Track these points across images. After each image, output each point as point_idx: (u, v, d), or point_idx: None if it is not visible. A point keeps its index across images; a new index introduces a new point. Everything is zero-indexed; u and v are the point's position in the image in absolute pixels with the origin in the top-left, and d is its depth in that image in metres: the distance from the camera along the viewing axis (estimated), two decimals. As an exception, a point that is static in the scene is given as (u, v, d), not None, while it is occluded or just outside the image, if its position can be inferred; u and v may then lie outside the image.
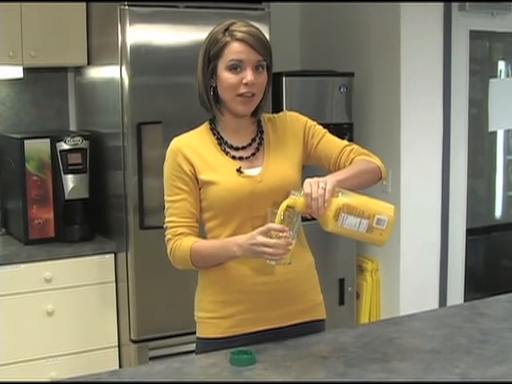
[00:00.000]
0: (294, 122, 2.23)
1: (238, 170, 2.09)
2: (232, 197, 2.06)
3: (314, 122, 2.24)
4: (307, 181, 1.95)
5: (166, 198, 2.14)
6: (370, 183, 2.19)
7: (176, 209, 2.11)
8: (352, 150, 2.22)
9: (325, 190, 1.91)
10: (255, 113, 2.16)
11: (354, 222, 1.92)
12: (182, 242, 2.08)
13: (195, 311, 2.21)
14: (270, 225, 1.93)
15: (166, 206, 2.14)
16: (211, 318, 2.15)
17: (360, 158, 2.20)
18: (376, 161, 2.21)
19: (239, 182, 2.07)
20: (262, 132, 2.19)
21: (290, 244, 1.92)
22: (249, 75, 2.04)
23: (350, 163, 2.18)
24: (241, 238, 2.00)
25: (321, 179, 1.94)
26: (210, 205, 2.10)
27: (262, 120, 2.21)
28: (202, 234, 2.15)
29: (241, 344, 2.05)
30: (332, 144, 2.22)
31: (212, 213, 2.11)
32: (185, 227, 2.10)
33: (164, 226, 2.14)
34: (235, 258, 2.04)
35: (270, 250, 1.91)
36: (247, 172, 2.10)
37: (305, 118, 2.24)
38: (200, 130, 2.19)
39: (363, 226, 1.93)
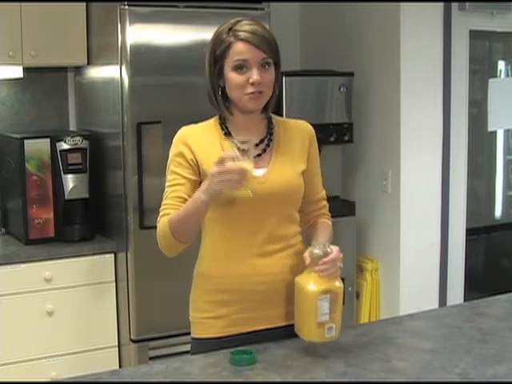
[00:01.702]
0: (310, 136, 2.23)
1: None
2: (231, 194, 2.05)
3: (318, 153, 2.26)
4: (338, 249, 2.01)
5: (166, 184, 2.13)
6: None
7: (171, 192, 2.09)
8: (325, 206, 2.29)
9: (340, 269, 2.00)
10: (265, 109, 2.16)
11: (323, 310, 1.95)
12: (163, 219, 2.07)
13: (190, 311, 2.21)
14: (222, 154, 1.91)
15: (164, 191, 2.13)
16: (206, 318, 2.15)
17: (329, 225, 2.27)
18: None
19: None
20: (271, 134, 2.18)
21: (245, 170, 1.89)
22: (254, 74, 2.04)
23: (316, 218, 2.25)
24: (204, 182, 1.98)
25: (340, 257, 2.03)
26: None
27: (274, 122, 2.21)
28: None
29: (236, 344, 2.05)
30: (316, 186, 2.25)
31: (211, 208, 2.09)
32: (173, 209, 2.06)
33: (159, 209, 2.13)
34: (204, 205, 1.98)
35: (226, 176, 1.88)
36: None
37: (316, 143, 2.25)
38: (208, 123, 2.18)
39: (322, 318, 1.95)
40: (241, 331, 2.12)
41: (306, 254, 1.99)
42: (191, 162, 2.09)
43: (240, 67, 2.05)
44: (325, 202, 2.29)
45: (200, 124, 2.18)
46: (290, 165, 2.15)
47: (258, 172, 2.10)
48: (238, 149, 1.99)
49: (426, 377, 1.86)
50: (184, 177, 2.09)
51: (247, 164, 1.91)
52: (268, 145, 2.16)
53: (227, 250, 2.11)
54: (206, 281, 2.16)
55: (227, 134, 2.14)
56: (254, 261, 2.08)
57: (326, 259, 1.96)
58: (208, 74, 2.12)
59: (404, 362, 1.95)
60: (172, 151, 2.14)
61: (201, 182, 2.08)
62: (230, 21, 2.10)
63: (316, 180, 2.25)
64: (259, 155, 2.13)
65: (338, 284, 1.99)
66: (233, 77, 2.06)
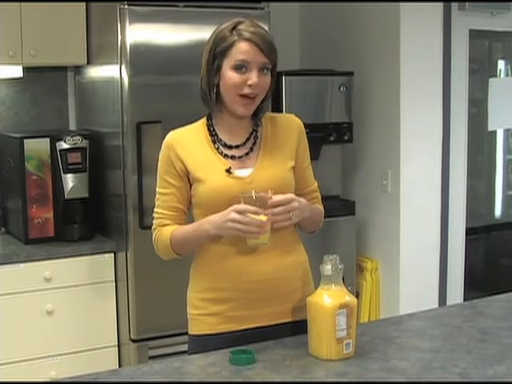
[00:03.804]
0: (298, 130, 2.22)
1: (227, 170, 2.08)
2: (219, 196, 2.06)
3: (307, 147, 2.26)
4: (292, 196, 2.01)
5: (156, 188, 2.18)
6: (308, 231, 2.26)
7: (163, 201, 2.15)
8: (317, 197, 2.28)
9: (290, 218, 2.00)
10: (255, 115, 2.16)
11: (341, 325, 1.93)
12: (163, 231, 2.13)
13: (187, 308, 2.22)
14: (247, 206, 1.96)
15: (156, 196, 2.18)
16: (200, 314, 2.16)
17: (320, 208, 2.27)
18: (322, 216, 2.28)
19: (227, 182, 2.07)
20: (256, 131, 2.18)
21: (265, 225, 1.96)
22: (254, 77, 2.04)
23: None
24: (214, 216, 2.03)
25: (298, 207, 2.01)
26: (199, 202, 2.12)
27: (262, 119, 2.20)
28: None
29: (230, 341, 2.06)
30: (307, 179, 2.25)
31: (201, 210, 2.12)
32: (170, 219, 2.14)
33: (153, 215, 2.17)
34: (208, 237, 2.07)
35: (244, 227, 1.95)
36: (237, 172, 2.10)
37: (305, 137, 2.24)
38: (197, 124, 2.19)
39: (341, 334, 1.94)
40: (235, 328, 2.12)
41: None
42: (180, 172, 2.11)
43: (240, 67, 2.04)
44: (317, 193, 2.29)
45: (188, 127, 2.19)
46: (278, 162, 2.14)
47: (245, 172, 2.11)
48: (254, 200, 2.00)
49: (426, 376, 1.85)
50: (174, 185, 2.13)
51: (263, 217, 1.97)
52: (254, 143, 2.16)
53: (220, 249, 2.11)
54: (200, 278, 2.17)
55: (213, 135, 2.14)
56: (247, 259, 2.09)
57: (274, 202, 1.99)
58: (205, 70, 2.11)
59: (404, 361, 1.95)
60: (161, 157, 2.16)
61: (191, 186, 2.12)
62: (231, 20, 2.10)
63: (307, 173, 2.25)
64: (246, 154, 2.14)
65: (353, 298, 1.99)
66: (231, 76, 2.05)
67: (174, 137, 2.16)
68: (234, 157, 2.12)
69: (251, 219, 1.95)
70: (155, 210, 2.17)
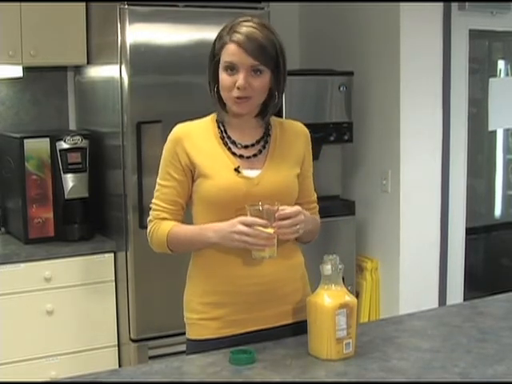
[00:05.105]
0: (305, 139, 2.22)
1: (236, 170, 2.07)
2: (225, 195, 2.04)
3: (311, 156, 2.26)
4: (299, 209, 2.00)
5: (157, 179, 2.15)
6: (304, 241, 2.23)
7: (163, 194, 2.12)
8: (315, 208, 2.27)
9: (297, 230, 1.99)
10: (262, 115, 2.15)
11: (340, 325, 1.93)
12: (161, 225, 2.10)
13: (184, 312, 2.19)
14: (255, 219, 1.95)
15: (156, 187, 2.15)
16: (200, 319, 2.13)
17: (318, 220, 2.27)
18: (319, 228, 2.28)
19: (235, 181, 2.06)
20: (268, 135, 2.17)
21: (272, 237, 1.95)
22: (240, 79, 2.02)
23: None
24: (219, 225, 2.01)
25: (304, 219, 2.02)
26: (202, 198, 2.09)
27: (272, 123, 2.19)
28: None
29: (231, 345, 2.04)
30: (309, 188, 2.24)
31: (203, 207, 2.10)
32: (168, 214, 2.11)
33: (150, 205, 2.15)
34: (209, 244, 2.05)
35: (251, 239, 1.94)
36: (245, 172, 2.08)
37: (310, 147, 2.24)
38: (206, 120, 2.17)
39: (340, 334, 1.93)
40: (236, 332, 2.11)
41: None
42: (185, 166, 2.09)
43: (230, 68, 2.03)
44: (316, 205, 2.28)
45: (196, 121, 2.17)
46: (286, 167, 2.13)
47: (253, 173, 2.09)
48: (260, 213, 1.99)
49: (426, 376, 1.86)
50: (176, 179, 2.10)
51: (271, 230, 1.96)
52: (264, 146, 2.15)
53: (220, 252, 2.09)
54: (200, 282, 2.15)
55: (222, 132, 2.12)
56: (248, 262, 2.07)
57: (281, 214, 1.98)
58: (207, 68, 2.11)
59: (404, 361, 1.95)
60: (167, 149, 2.13)
61: (193, 182, 2.10)
62: (238, 17, 2.08)
63: (308, 183, 2.23)
64: (255, 155, 2.12)
65: (353, 298, 1.99)
66: (223, 77, 2.05)
67: (181, 130, 2.13)
68: (243, 156, 2.11)
69: (259, 232, 1.94)
70: (154, 201, 2.14)
